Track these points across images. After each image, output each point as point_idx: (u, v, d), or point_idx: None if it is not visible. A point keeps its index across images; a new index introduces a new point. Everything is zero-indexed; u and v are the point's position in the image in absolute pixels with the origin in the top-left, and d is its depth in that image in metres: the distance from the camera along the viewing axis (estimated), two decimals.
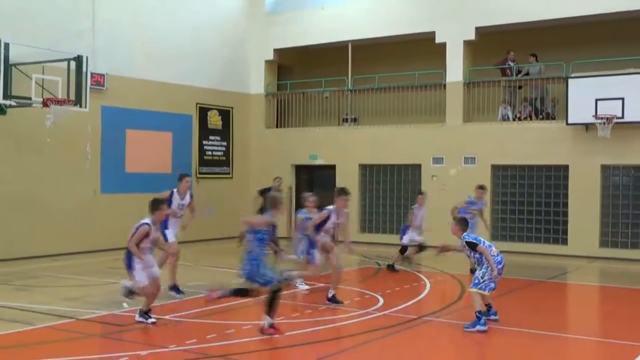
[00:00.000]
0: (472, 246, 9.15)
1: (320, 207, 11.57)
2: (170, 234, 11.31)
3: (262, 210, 10.25)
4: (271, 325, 8.48)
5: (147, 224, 9.22)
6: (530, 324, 9.53)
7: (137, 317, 9.28)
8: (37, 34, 15.86)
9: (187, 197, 11.58)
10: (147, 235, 9.15)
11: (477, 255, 9.21)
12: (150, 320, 9.21)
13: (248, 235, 8.44)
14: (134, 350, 7.86)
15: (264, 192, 14.57)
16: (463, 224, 9.38)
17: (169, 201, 11.09)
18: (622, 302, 12.02)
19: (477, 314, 9.00)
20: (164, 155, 19.58)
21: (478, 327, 8.88)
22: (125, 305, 9.84)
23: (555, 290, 12.83)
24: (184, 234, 11.93)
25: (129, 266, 9.21)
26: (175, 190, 11.47)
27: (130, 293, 9.38)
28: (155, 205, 9.44)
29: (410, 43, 20.50)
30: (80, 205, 17.39)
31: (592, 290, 13.80)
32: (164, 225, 10.82)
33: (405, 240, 14.80)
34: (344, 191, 10.92)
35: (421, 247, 14.94)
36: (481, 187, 14.66)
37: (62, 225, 16.93)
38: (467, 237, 9.27)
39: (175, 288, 11.31)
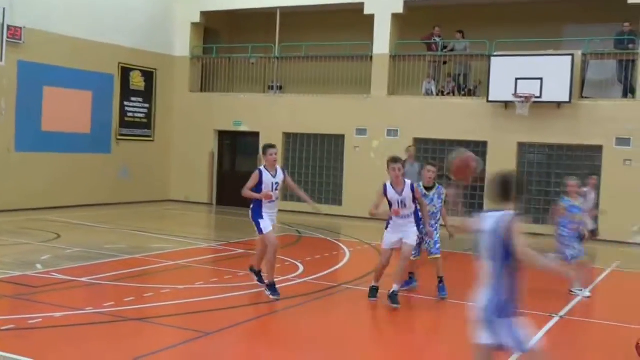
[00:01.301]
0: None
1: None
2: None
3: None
4: None
5: (258, 169, 8.94)
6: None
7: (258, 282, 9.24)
8: None
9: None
10: (259, 181, 8.78)
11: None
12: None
13: None
14: (48, 312, 7.67)
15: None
16: None
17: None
18: (532, 274, 12.46)
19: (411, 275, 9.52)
20: (82, 115, 18.98)
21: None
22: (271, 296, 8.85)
23: (469, 262, 13.19)
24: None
25: (254, 216, 8.87)
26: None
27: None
28: (263, 149, 9.17)
29: (339, 13, 20.48)
30: None
31: None
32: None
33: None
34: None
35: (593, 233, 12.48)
36: None
37: None
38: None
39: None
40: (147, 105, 21.15)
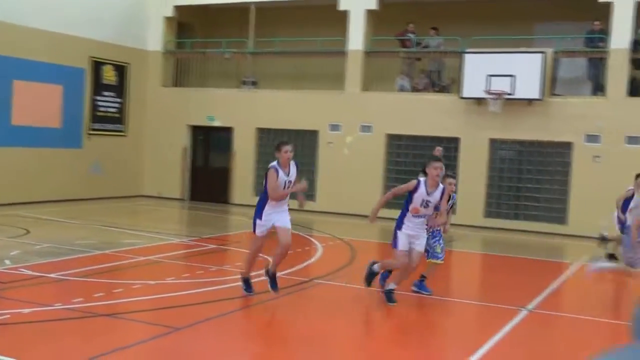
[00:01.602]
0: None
1: None
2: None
3: None
4: None
5: (274, 167, 8.42)
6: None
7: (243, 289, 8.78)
8: None
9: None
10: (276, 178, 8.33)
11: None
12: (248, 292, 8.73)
13: None
14: (16, 308, 7.59)
15: None
16: None
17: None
18: (502, 269, 12.65)
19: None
20: (53, 109, 18.77)
21: None
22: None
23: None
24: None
25: (255, 214, 8.57)
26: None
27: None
28: (276, 146, 8.62)
29: (313, 8, 20.47)
30: None
31: (475, 257, 14.43)
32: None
33: None
34: None
35: None
36: None
37: None
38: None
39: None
40: (119, 100, 20.97)
